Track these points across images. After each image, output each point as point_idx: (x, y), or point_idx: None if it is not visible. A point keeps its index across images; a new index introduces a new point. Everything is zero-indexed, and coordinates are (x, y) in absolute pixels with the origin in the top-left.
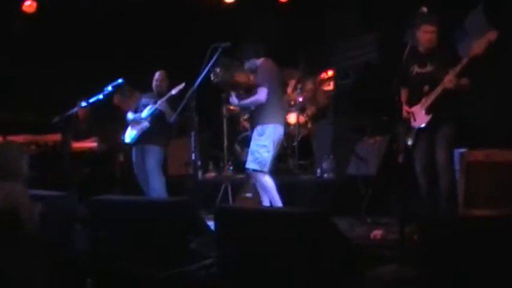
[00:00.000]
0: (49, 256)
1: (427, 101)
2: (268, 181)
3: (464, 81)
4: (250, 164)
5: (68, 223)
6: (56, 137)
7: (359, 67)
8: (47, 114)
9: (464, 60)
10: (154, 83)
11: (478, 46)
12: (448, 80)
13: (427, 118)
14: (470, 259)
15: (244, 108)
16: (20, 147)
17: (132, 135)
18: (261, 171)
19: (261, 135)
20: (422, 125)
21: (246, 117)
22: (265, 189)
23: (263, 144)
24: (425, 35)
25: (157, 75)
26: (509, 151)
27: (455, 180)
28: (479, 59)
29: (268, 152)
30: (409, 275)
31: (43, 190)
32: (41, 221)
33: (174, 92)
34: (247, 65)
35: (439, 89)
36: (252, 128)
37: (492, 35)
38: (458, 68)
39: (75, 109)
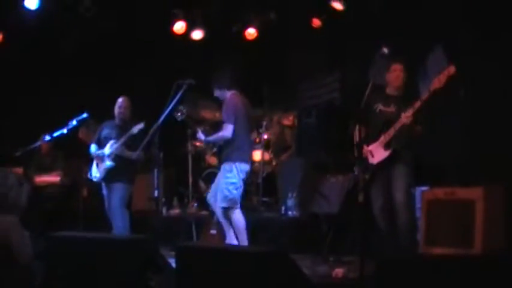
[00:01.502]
0: None
1: (386, 137)
2: (240, 220)
3: (418, 128)
4: (220, 203)
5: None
6: (18, 170)
7: (322, 106)
8: (9, 147)
9: (424, 96)
10: (117, 110)
11: (438, 80)
12: (405, 116)
13: (386, 153)
14: None
15: (211, 144)
16: (20, 176)
17: (98, 174)
18: (233, 208)
19: (229, 172)
20: (379, 160)
21: (212, 152)
22: (237, 228)
23: (232, 182)
24: (393, 73)
25: (120, 101)
26: (468, 189)
27: (415, 218)
28: (438, 97)
29: (237, 189)
30: None
31: None
32: None
33: (134, 131)
34: (217, 93)
35: (397, 125)
36: (221, 163)
37: (451, 69)
38: (417, 104)
39: (39, 142)
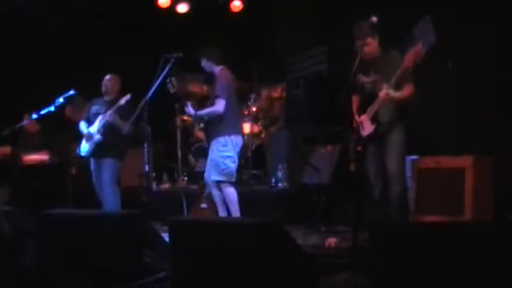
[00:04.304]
0: None
1: (370, 111)
2: (233, 193)
3: (409, 87)
4: (215, 177)
5: (16, 238)
6: (6, 150)
7: (309, 78)
8: None
9: (398, 72)
10: (103, 88)
11: (407, 58)
12: (383, 94)
13: (372, 128)
14: (422, 265)
15: (198, 119)
16: None
17: (87, 148)
18: (228, 182)
19: (224, 145)
20: (368, 134)
21: (200, 127)
22: (230, 201)
23: (228, 155)
24: (366, 47)
25: (106, 79)
26: (458, 158)
27: (407, 187)
28: (422, 65)
29: (234, 162)
30: (362, 283)
31: None
32: None
33: (122, 102)
34: (203, 63)
35: (378, 101)
36: (211, 139)
37: (418, 48)
38: (392, 81)
39: (26, 121)
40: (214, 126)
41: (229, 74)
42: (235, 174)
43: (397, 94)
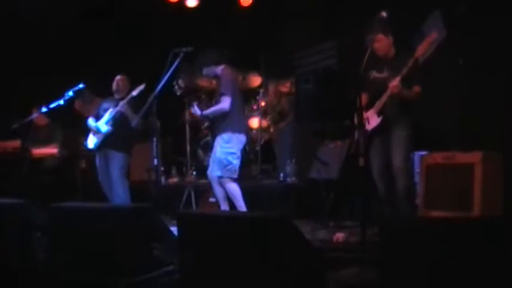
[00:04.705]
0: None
1: (378, 104)
2: (235, 188)
3: (417, 89)
4: (217, 172)
5: (26, 231)
6: (16, 143)
7: (319, 72)
8: (5, 120)
9: (409, 63)
10: (114, 88)
11: (421, 48)
12: (393, 86)
13: (378, 120)
14: (430, 260)
15: (205, 118)
16: None
17: (95, 141)
18: (230, 178)
19: (227, 142)
20: (374, 127)
21: (205, 126)
22: (233, 196)
23: (231, 152)
24: (377, 43)
25: (117, 79)
26: (467, 153)
27: (413, 182)
28: (434, 63)
29: (237, 158)
30: (370, 278)
31: (1, 197)
32: None
33: (134, 93)
34: (205, 71)
35: (388, 93)
36: (215, 136)
37: (433, 36)
38: (404, 72)
39: (35, 115)
40: (219, 123)
41: (232, 71)
42: (237, 170)
43: (405, 91)
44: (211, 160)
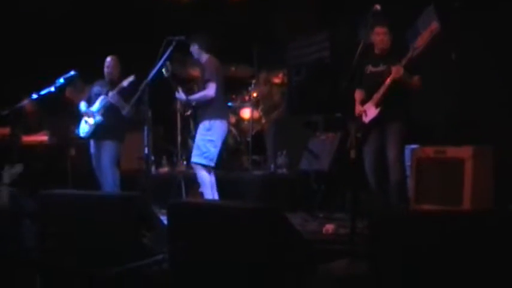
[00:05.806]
0: None
1: (377, 96)
2: (206, 176)
3: (417, 78)
4: (195, 158)
5: (16, 218)
6: (5, 130)
7: (311, 64)
8: None
9: (411, 52)
10: (105, 70)
11: (421, 38)
12: (396, 69)
13: (376, 111)
14: (420, 253)
15: (188, 104)
16: None
17: (86, 129)
18: (207, 166)
19: (208, 130)
20: (371, 118)
21: (187, 113)
22: (202, 183)
23: (210, 139)
24: (377, 36)
25: (107, 61)
26: (458, 148)
27: (406, 176)
28: (428, 58)
29: (215, 147)
30: (360, 270)
31: None
32: None
33: (124, 84)
34: (193, 49)
35: (388, 82)
36: (197, 123)
37: (434, 26)
38: (404, 60)
39: (26, 102)
40: (202, 110)
41: (217, 61)
42: (214, 159)
43: (407, 77)
44: (193, 147)
